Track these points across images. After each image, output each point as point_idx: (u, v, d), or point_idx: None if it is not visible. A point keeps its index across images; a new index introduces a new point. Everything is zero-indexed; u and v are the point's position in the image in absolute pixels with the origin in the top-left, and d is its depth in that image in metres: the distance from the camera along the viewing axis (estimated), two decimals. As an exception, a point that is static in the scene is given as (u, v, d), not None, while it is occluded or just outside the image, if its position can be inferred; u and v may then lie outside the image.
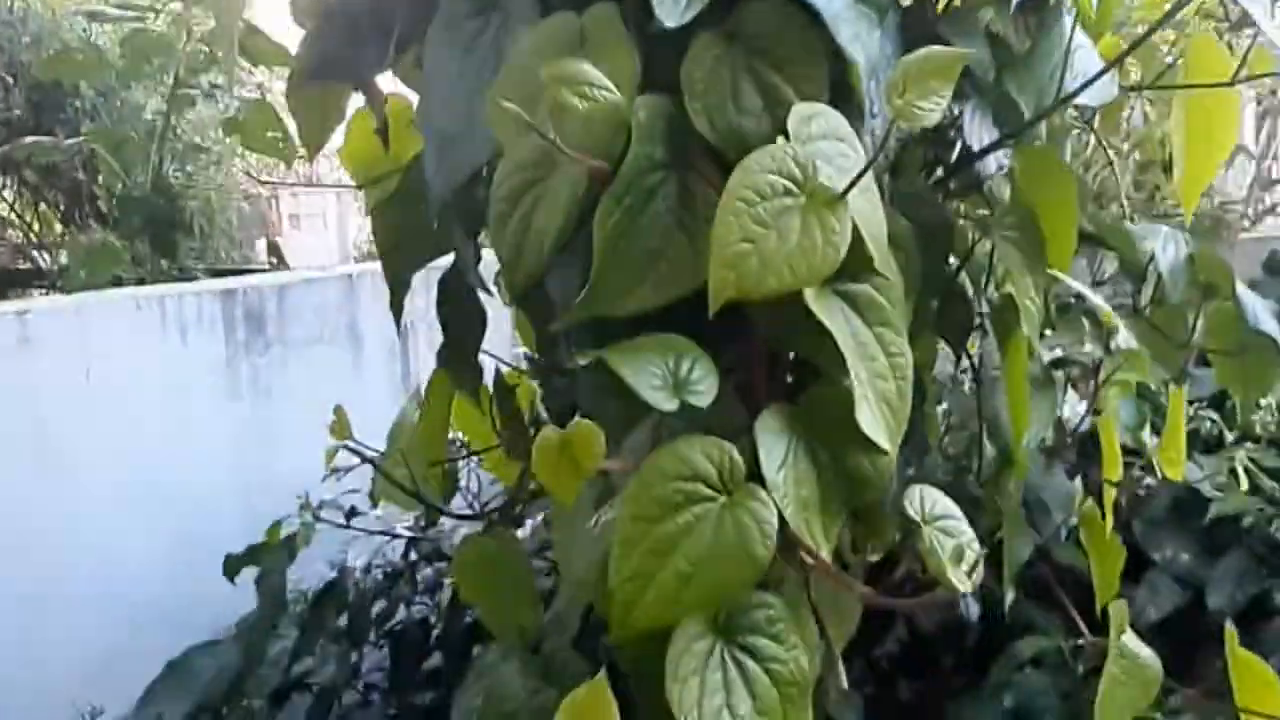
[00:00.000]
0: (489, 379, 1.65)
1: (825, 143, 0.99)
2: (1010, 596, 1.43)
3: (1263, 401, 2.04)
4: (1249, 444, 2.02)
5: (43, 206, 5.13)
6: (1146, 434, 1.73)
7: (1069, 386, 1.51)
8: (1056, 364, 1.44)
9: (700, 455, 0.99)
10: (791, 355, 1.23)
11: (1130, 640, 1.36)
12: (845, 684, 1.51)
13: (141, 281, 3.30)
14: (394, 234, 1.48)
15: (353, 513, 2.14)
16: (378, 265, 1.62)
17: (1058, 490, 1.60)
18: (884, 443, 1.04)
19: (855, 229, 1.01)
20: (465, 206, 1.32)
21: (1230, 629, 1.30)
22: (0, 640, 2.31)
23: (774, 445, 1.02)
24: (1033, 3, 1.25)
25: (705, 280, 1.02)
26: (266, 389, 2.60)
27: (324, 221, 10.04)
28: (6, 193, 5.10)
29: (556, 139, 0.98)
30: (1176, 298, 1.45)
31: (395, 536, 2.20)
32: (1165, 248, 1.49)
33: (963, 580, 0.97)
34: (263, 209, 4.29)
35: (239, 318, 2.55)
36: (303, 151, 1.66)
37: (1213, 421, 2.04)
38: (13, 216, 5.16)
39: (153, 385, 2.45)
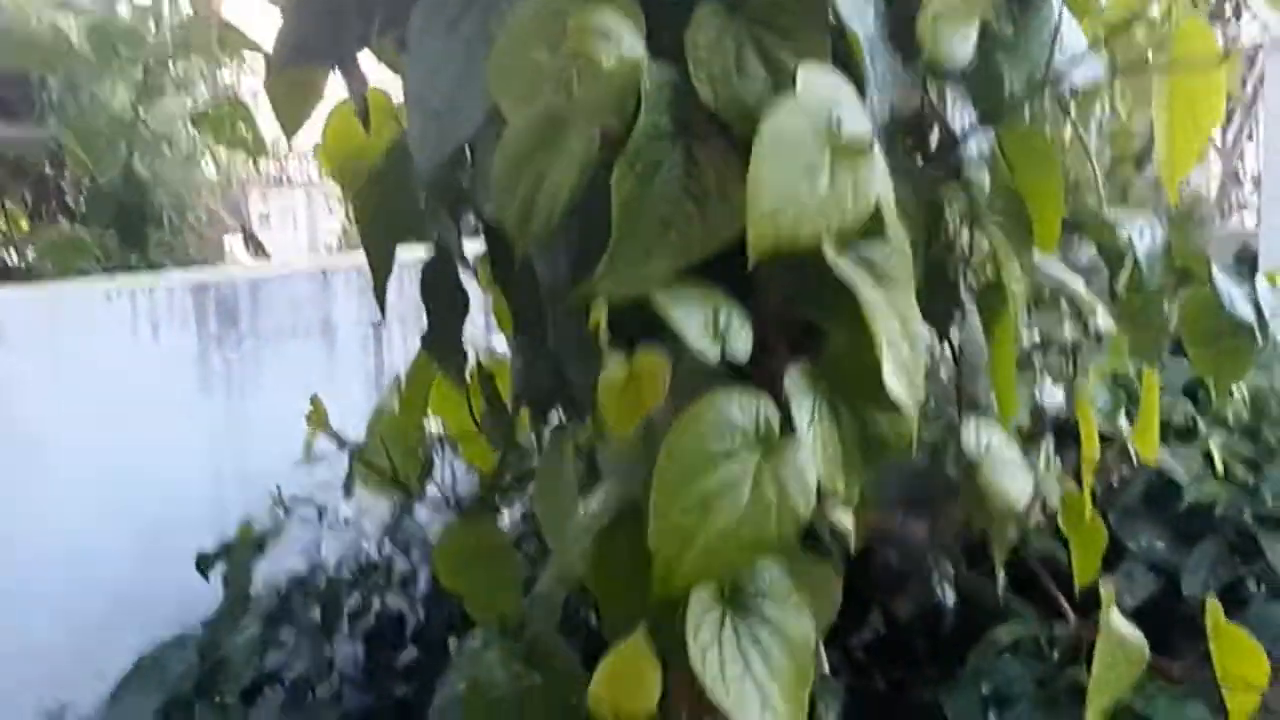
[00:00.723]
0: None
1: (834, 104, 0.99)
2: (1001, 579, 1.44)
3: (1236, 391, 2.06)
4: (1223, 432, 2.04)
5: (10, 204, 5.06)
6: (1121, 420, 1.75)
7: (1043, 373, 1.52)
8: (1034, 347, 1.45)
9: (737, 409, 0.96)
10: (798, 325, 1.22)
11: (1117, 620, 1.37)
12: (826, 668, 1.52)
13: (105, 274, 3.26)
14: (375, 217, 1.46)
15: (322, 514, 2.12)
16: (350, 260, 1.61)
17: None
18: (907, 402, 1.03)
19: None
20: (449, 188, 1.32)
21: (1213, 600, 1.31)
22: (-32, 636, 2.28)
23: (803, 401, 1.01)
24: (1017, -16, 1.25)
25: (714, 248, 1.01)
26: (239, 382, 2.57)
27: (294, 220, 10.02)
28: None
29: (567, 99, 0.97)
30: (1154, 283, 1.46)
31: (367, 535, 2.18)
32: (1142, 234, 1.50)
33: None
34: (236, 199, 4.23)
35: (211, 311, 2.52)
36: (271, 146, 1.64)
37: (1187, 411, 2.05)
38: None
39: (124, 378, 2.42)
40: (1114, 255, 1.47)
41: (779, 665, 1.00)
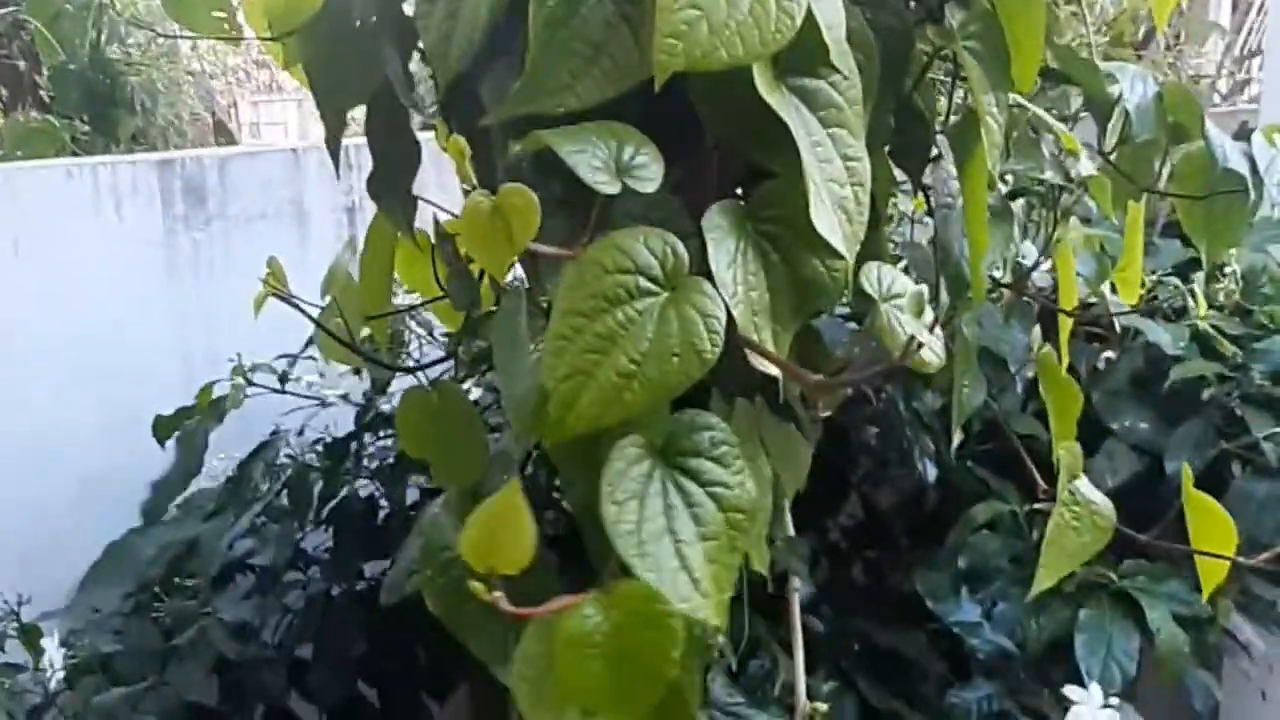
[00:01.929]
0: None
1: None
2: (958, 438, 1.39)
3: (1229, 266, 2.00)
4: (1213, 312, 1.98)
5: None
6: (1107, 290, 1.69)
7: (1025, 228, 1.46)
8: (1013, 194, 1.39)
9: (642, 246, 0.92)
10: (744, 169, 1.16)
11: (1083, 486, 1.33)
12: (791, 530, 1.48)
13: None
14: (322, 57, 1.38)
15: (285, 378, 2.07)
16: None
17: (1014, 344, 1.56)
18: (840, 246, 0.98)
19: (811, 17, 0.95)
20: (393, 17, 1.24)
21: (1186, 468, 1.27)
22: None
23: (722, 240, 0.97)
24: None
25: (650, 76, 0.96)
26: (208, 264, 2.50)
27: (285, 131, 9.85)
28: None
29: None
30: (1144, 135, 1.40)
31: (337, 402, 2.13)
32: (1134, 85, 1.43)
33: (924, 334, 0.92)
34: (210, 91, 4.12)
35: (177, 190, 2.44)
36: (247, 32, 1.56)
37: (1176, 288, 2.00)
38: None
39: (86, 259, 2.35)
40: (1103, 105, 1.41)
41: (710, 529, 0.95)
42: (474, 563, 0.87)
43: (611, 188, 0.91)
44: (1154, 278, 2.01)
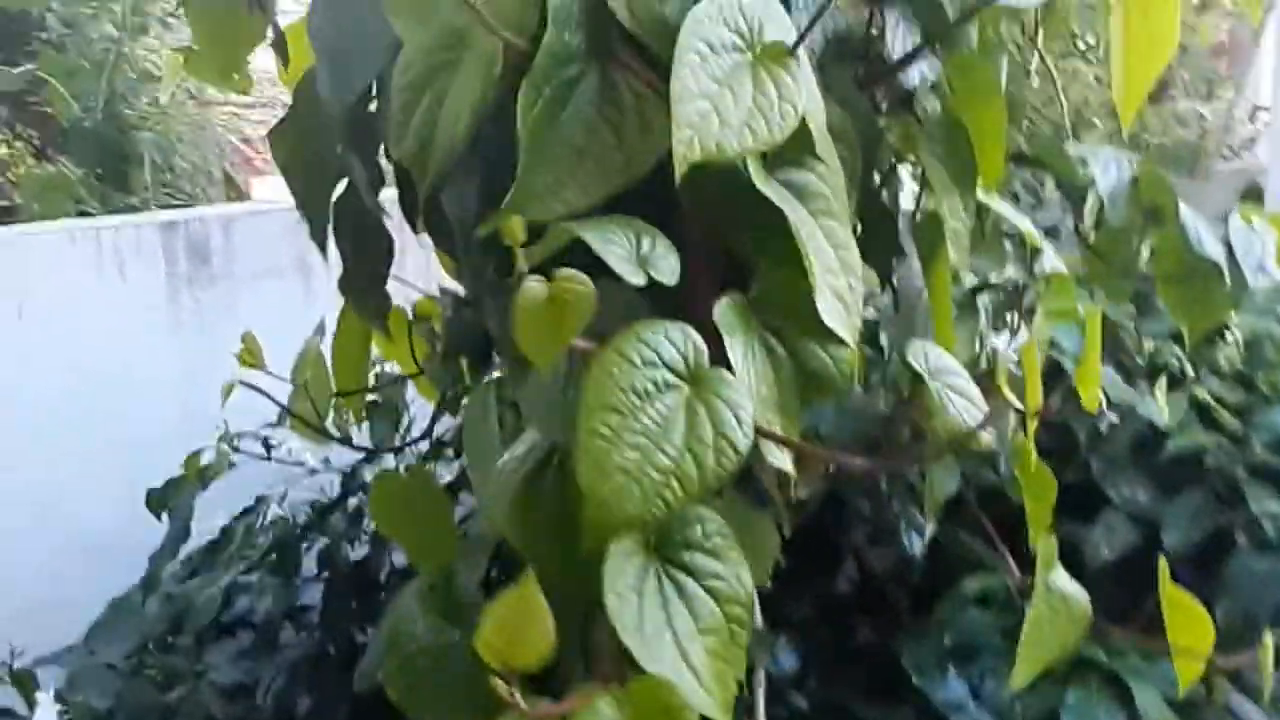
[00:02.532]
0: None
1: (754, 10, 0.92)
2: (930, 528, 1.37)
3: (1230, 336, 1.96)
4: (1214, 379, 1.94)
5: (18, 143, 5.02)
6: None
7: (994, 316, 1.44)
8: (977, 289, 1.37)
9: (664, 339, 0.90)
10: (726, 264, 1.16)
11: (1058, 577, 1.31)
12: (760, 622, 1.46)
13: (86, 215, 3.22)
14: (295, 158, 1.39)
15: (268, 444, 2.08)
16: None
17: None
18: (845, 334, 0.97)
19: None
20: (358, 123, 1.25)
21: (1163, 562, 1.24)
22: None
23: (736, 334, 0.95)
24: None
25: (634, 177, 0.96)
26: (212, 323, 2.53)
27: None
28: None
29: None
30: (1117, 220, 1.38)
31: (320, 468, 2.14)
32: (1106, 169, 1.41)
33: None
34: (217, 139, 4.15)
35: (181, 250, 2.47)
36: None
37: (1176, 358, 1.96)
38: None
39: (91, 321, 2.38)
40: (1075, 191, 1.39)
41: (708, 624, 0.93)
42: (491, 660, 0.84)
43: (638, 279, 0.89)
44: (1153, 345, 1.97)
